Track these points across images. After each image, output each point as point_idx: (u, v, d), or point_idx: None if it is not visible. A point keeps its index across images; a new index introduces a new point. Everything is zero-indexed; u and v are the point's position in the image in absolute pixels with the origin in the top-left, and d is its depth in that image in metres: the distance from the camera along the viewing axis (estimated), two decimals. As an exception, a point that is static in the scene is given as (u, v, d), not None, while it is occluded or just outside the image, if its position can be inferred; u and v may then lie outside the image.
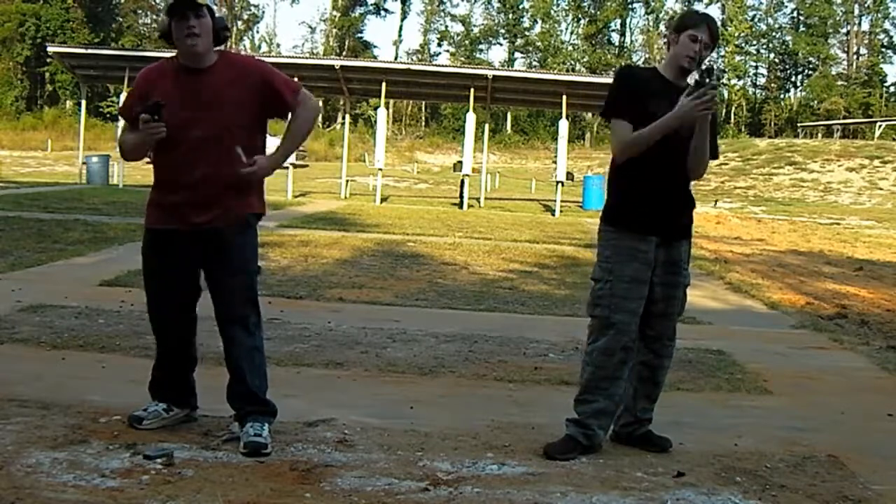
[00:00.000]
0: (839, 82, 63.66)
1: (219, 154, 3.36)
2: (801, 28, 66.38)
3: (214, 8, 3.43)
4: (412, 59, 60.70)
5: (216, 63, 3.45)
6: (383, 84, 21.25)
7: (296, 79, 3.86)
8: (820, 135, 53.80)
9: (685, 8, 66.04)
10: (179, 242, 3.45)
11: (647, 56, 67.03)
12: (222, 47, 3.53)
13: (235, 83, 3.42)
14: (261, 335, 3.59)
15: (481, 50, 68.29)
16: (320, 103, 3.75)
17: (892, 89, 65.30)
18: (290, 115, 3.53)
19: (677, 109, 3.46)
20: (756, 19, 66.70)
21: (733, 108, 64.35)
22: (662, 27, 65.23)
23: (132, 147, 3.47)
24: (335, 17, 66.63)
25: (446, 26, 68.72)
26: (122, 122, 3.83)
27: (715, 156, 3.74)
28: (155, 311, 3.59)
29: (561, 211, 20.68)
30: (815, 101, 62.17)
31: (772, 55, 67.43)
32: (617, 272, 3.56)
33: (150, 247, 3.56)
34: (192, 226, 3.42)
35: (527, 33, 67.66)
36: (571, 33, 67.22)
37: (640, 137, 3.52)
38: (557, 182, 21.65)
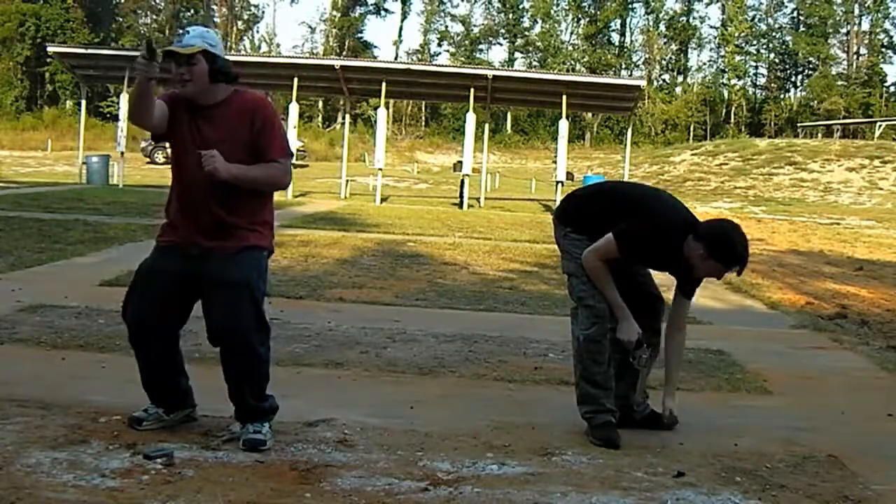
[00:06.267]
0: (839, 82, 63.65)
1: (226, 191, 3.38)
2: (801, 28, 66.37)
3: (216, 51, 3.40)
4: (412, 59, 60.69)
5: (223, 103, 3.45)
6: (383, 84, 21.25)
7: (296, 79, 3.85)
8: (820, 135, 53.78)
9: (685, 9, 66.22)
10: (182, 260, 3.43)
11: (647, 56, 67.04)
12: (219, 86, 3.46)
13: (238, 127, 3.42)
14: (267, 347, 3.49)
15: (481, 50, 68.36)
16: (289, 182, 3.73)
17: (892, 89, 65.33)
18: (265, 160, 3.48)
19: (622, 323, 3.79)
20: (756, 19, 66.75)
21: (733, 108, 64.36)
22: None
23: (134, 98, 3.40)
24: (335, 17, 66.62)
25: (446, 26, 68.81)
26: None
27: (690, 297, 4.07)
28: (134, 323, 3.48)
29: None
30: (815, 101, 62.16)
31: (772, 55, 67.43)
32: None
33: (151, 258, 3.55)
34: (199, 248, 3.41)
35: (527, 33, 67.67)
36: (571, 33, 67.29)
37: (599, 284, 3.79)
38: (557, 182, 21.66)
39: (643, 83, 28.34)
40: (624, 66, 65.42)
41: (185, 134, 3.43)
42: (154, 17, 64.08)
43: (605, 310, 3.83)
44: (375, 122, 27.53)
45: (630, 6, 66.99)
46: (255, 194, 3.48)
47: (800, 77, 67.97)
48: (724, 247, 3.70)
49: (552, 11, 65.64)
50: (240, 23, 66.86)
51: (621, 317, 3.80)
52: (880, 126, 50.46)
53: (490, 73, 23.51)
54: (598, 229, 3.82)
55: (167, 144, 3.66)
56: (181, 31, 3.42)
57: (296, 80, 21.32)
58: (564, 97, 21.18)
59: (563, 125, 21.20)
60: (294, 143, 22.30)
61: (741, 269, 3.77)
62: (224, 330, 3.38)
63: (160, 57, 3.26)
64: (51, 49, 25.43)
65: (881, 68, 63.89)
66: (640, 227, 3.77)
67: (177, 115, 3.45)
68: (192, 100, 3.43)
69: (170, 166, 3.62)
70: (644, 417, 4.02)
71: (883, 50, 64.77)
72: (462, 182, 21.26)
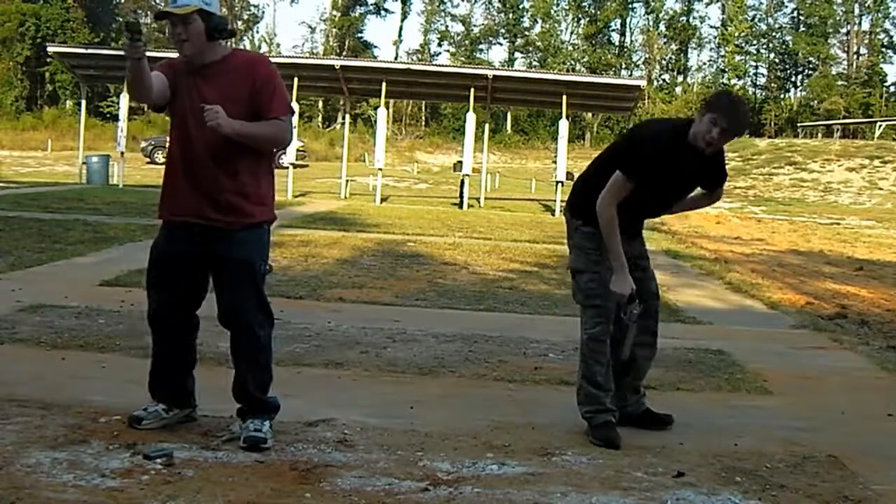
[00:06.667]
0: (839, 82, 63.60)
1: (227, 155, 3.39)
2: (801, 28, 66.32)
3: (212, 8, 3.41)
4: (412, 59, 60.63)
5: (222, 62, 3.45)
6: (383, 84, 21.25)
7: (296, 79, 3.87)
8: (820, 135, 53.75)
9: (685, 9, 66.19)
10: (190, 235, 3.45)
11: (647, 56, 67.01)
12: (227, 43, 3.52)
13: (238, 85, 3.41)
14: (268, 333, 3.57)
15: (481, 50, 68.27)
16: (293, 139, 3.73)
17: (892, 89, 65.23)
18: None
19: (618, 273, 3.75)
20: (756, 19, 66.64)
21: (733, 108, 64.22)
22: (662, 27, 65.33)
23: (129, 79, 3.38)
24: (335, 17, 66.58)
25: (446, 26, 68.70)
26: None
27: (725, 178, 4.10)
28: (156, 306, 3.56)
29: (561, 211, 20.66)
30: (815, 101, 62.11)
31: (772, 55, 67.35)
32: (605, 263, 3.82)
33: (161, 239, 3.57)
34: (204, 219, 3.42)
35: (527, 33, 67.59)
36: (571, 33, 67.22)
37: (605, 231, 3.76)
38: (557, 182, 21.64)
39: (643, 83, 28.32)
40: (624, 66, 65.38)
41: (186, 99, 3.43)
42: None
43: (611, 310, 3.84)
44: (375, 122, 27.53)
45: (630, 6, 66.95)
46: (256, 159, 3.47)
47: (800, 77, 67.93)
48: (719, 95, 3.86)
49: (552, 11, 65.58)
50: (240, 23, 66.77)
51: (618, 268, 3.76)
52: (880, 126, 50.44)
53: (490, 73, 23.49)
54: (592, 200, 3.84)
55: (167, 145, 3.66)
56: None
57: (296, 80, 21.29)
58: (564, 97, 21.16)
59: (563, 125, 21.19)
60: (294, 143, 22.31)
61: (733, 118, 3.67)
62: (228, 310, 3.48)
63: (144, 37, 3.24)
64: (51, 49, 25.41)
65: (881, 68, 63.85)
66: (637, 149, 3.81)
67: (177, 81, 3.45)
68: (191, 61, 3.43)
69: None
70: (639, 415, 4.03)
71: (883, 50, 64.71)
72: (462, 182, 21.26)
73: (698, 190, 4.12)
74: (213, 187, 3.41)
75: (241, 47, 59.42)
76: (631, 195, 3.77)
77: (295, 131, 24.58)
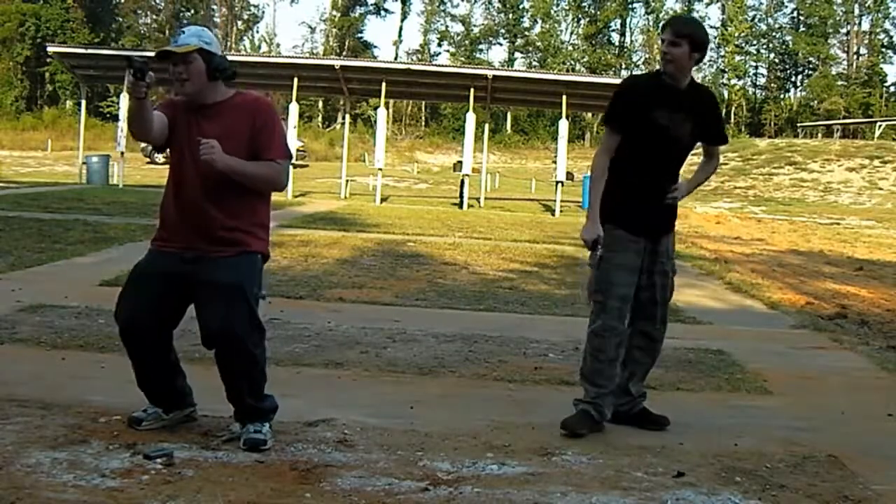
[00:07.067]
0: (839, 82, 63.61)
1: (223, 191, 3.38)
2: (801, 28, 66.34)
3: (212, 48, 3.40)
4: (412, 59, 60.64)
5: (224, 102, 3.45)
6: (383, 84, 21.26)
7: (295, 79, 3.87)
8: (820, 135, 53.77)
9: (685, 8, 66.20)
10: (179, 260, 3.42)
11: (647, 56, 67.00)
12: (218, 85, 3.46)
13: (238, 125, 3.41)
14: (263, 349, 3.49)
15: (481, 50, 68.31)
16: (286, 183, 3.74)
17: (892, 89, 65.28)
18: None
19: (588, 221, 3.90)
20: (756, 19, 66.70)
21: (733, 108, 64.32)
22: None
23: (130, 116, 3.39)
24: (335, 17, 66.59)
25: (446, 26, 68.74)
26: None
27: (724, 140, 4.27)
28: (125, 324, 3.48)
29: (561, 211, 20.67)
30: (815, 101, 62.14)
31: (772, 55, 67.39)
32: (613, 260, 3.87)
33: (145, 261, 3.53)
34: (195, 253, 3.39)
35: (527, 33, 67.63)
36: (571, 33, 67.26)
37: (592, 179, 3.99)
38: (557, 182, 21.66)
39: (643, 83, 28.28)
40: (624, 66, 65.39)
41: (185, 134, 3.43)
42: (154, 16, 64.04)
43: (614, 307, 3.88)
44: (375, 122, 27.54)
45: (630, 6, 67.00)
46: (251, 196, 3.47)
47: (800, 77, 67.96)
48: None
49: (552, 11, 65.62)
50: (240, 23, 66.85)
51: (589, 216, 3.91)
52: (880, 126, 50.45)
53: (490, 73, 23.51)
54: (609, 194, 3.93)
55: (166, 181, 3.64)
56: (177, 32, 3.43)
57: (296, 80, 21.33)
58: (564, 97, 21.17)
59: (563, 125, 21.20)
60: (294, 143, 22.30)
61: (669, 21, 4.05)
62: (218, 333, 3.36)
63: (150, 76, 3.23)
64: (51, 49, 25.42)
65: (881, 68, 63.88)
66: (613, 96, 4.05)
67: (177, 119, 3.45)
68: (192, 100, 3.44)
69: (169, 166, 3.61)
70: (635, 415, 4.04)
71: (883, 50, 64.73)
72: (462, 182, 21.27)
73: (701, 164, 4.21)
74: (208, 223, 3.40)
75: (240, 49, 59.40)
76: (630, 149, 3.90)
77: (295, 131, 24.64)
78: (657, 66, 4.07)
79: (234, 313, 3.34)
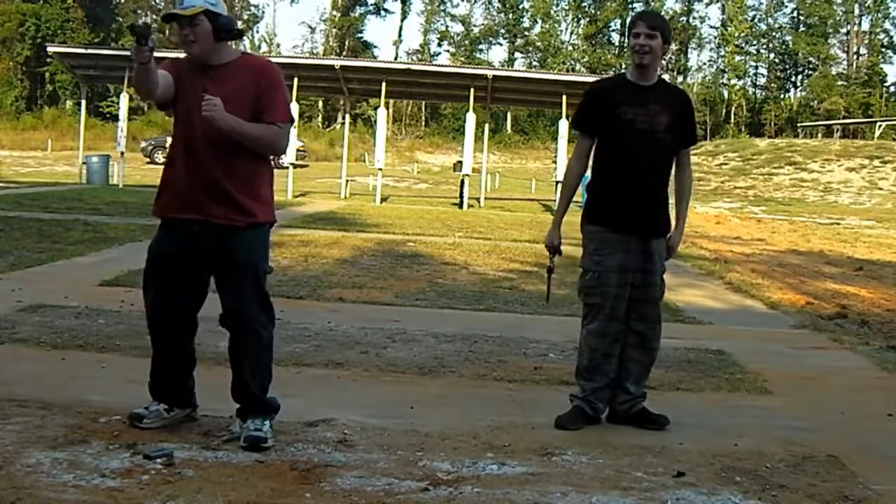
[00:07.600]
0: (839, 82, 63.59)
1: (228, 153, 3.40)
2: (801, 28, 66.32)
3: (218, 9, 3.42)
4: (412, 59, 60.61)
5: (230, 63, 3.48)
6: (383, 84, 21.25)
7: (296, 79, 3.88)
8: (820, 135, 53.75)
9: (685, 9, 66.24)
10: (189, 235, 3.45)
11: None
12: (235, 44, 3.52)
13: (243, 87, 3.43)
14: (270, 333, 3.57)
15: (481, 50, 68.27)
16: (287, 148, 3.77)
17: (892, 89, 65.23)
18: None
19: (550, 232, 4.15)
20: (756, 19, 66.66)
21: (733, 108, 64.32)
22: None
23: (135, 78, 3.40)
24: (335, 17, 66.57)
25: (446, 26, 68.70)
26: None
27: (694, 140, 4.41)
28: (154, 307, 3.56)
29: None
30: (815, 101, 62.10)
31: (772, 55, 67.35)
32: (605, 263, 3.96)
33: (158, 240, 3.56)
34: (204, 216, 3.42)
35: (527, 33, 67.60)
36: (571, 33, 67.22)
37: (562, 190, 4.22)
38: (557, 182, 21.64)
39: (643, 83, 28.29)
40: (624, 66, 65.32)
41: (190, 93, 3.43)
42: (154, 16, 64.04)
43: (609, 308, 3.95)
44: (375, 122, 27.53)
45: (630, 6, 66.93)
46: (253, 161, 3.48)
47: (800, 77, 67.94)
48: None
49: (552, 11, 65.59)
50: (240, 23, 66.78)
51: (553, 222, 4.12)
52: (880, 126, 50.43)
53: (490, 73, 23.51)
54: (593, 193, 4.07)
55: (167, 145, 3.67)
56: None
57: (296, 80, 21.30)
58: (564, 97, 21.17)
59: (563, 125, 21.19)
60: (294, 144, 22.32)
61: (635, 16, 4.10)
62: (231, 311, 3.47)
63: (152, 40, 3.24)
64: (51, 49, 25.40)
65: (881, 68, 63.85)
66: (578, 104, 4.17)
67: (183, 78, 3.47)
68: (199, 61, 3.45)
69: None
70: (634, 414, 4.06)
71: (883, 50, 64.70)
72: (462, 182, 21.26)
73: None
74: (215, 183, 3.41)
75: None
76: (607, 150, 3.99)
77: (295, 131, 24.57)
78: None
79: (243, 293, 3.45)
